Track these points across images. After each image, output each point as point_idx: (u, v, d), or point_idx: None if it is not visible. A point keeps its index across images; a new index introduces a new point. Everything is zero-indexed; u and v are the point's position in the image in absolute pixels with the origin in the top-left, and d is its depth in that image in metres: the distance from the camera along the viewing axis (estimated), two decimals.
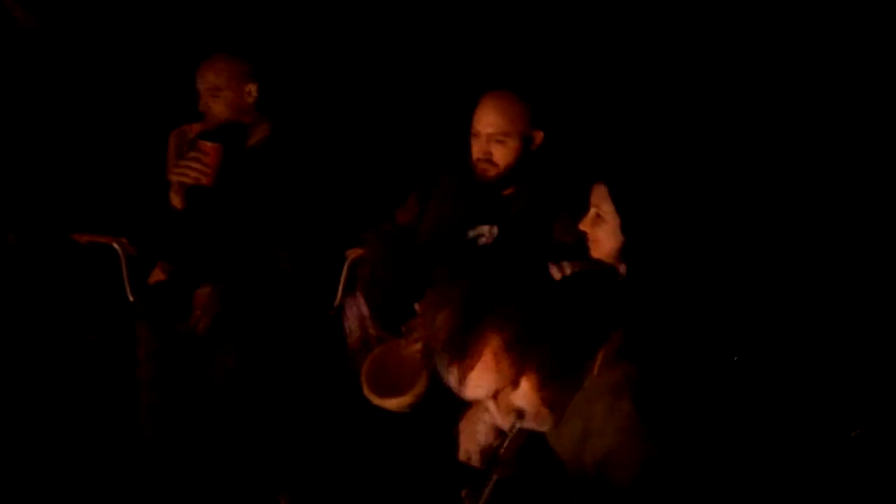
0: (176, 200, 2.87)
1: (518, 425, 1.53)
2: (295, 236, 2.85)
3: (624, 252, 2.12)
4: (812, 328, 2.46)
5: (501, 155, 2.55)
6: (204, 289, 2.81)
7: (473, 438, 1.79)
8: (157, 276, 2.99)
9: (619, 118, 3.14)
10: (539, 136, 2.58)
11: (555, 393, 1.49)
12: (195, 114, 3.05)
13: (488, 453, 1.77)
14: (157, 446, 2.79)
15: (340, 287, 2.89)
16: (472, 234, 2.63)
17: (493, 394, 1.49)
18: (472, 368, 1.46)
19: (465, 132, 2.62)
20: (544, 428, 1.54)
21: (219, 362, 2.79)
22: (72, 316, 3.10)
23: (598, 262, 2.18)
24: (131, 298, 2.85)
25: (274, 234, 2.84)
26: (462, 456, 1.80)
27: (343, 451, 2.74)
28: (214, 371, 2.80)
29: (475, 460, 1.78)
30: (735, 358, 2.15)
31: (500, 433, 1.75)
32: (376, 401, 2.34)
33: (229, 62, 2.86)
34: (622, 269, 2.16)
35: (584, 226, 2.19)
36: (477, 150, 2.57)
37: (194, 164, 2.76)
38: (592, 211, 2.17)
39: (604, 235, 2.15)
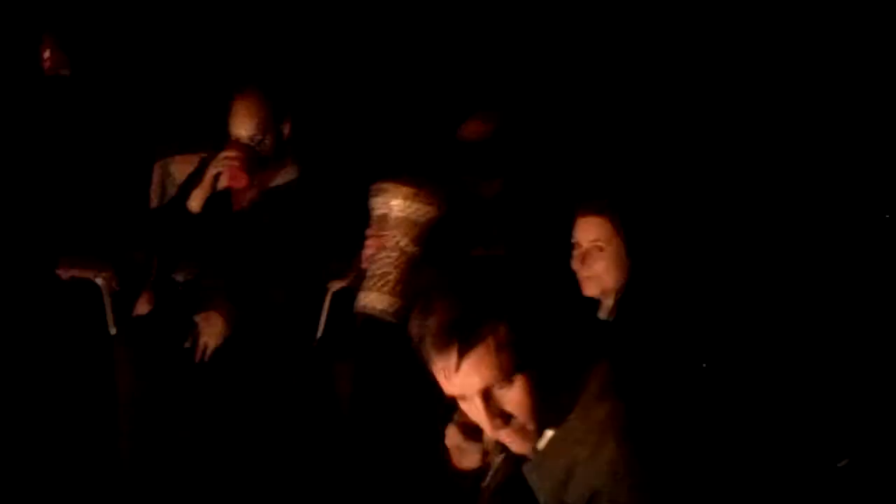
0: (196, 203, 2.87)
1: (500, 434, 1.46)
2: (295, 273, 2.88)
3: (627, 284, 2.10)
4: (805, 361, 2.43)
5: None
6: (211, 313, 2.80)
7: (461, 450, 1.75)
8: (142, 308, 2.97)
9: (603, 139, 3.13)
10: None
11: (544, 406, 1.44)
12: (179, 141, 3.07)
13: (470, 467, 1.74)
14: (138, 466, 2.77)
15: (323, 318, 2.90)
16: None
17: (484, 389, 1.41)
18: (470, 353, 1.38)
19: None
20: (522, 448, 1.48)
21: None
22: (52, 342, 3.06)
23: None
24: (113, 331, 2.83)
25: (277, 269, 2.86)
26: (454, 460, 1.76)
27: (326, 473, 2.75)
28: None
29: (466, 464, 1.74)
30: (704, 365, 2.11)
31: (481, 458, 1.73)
32: None
33: (265, 103, 2.87)
34: (609, 303, 2.15)
35: (576, 264, 2.16)
36: None
37: (234, 161, 2.78)
38: (585, 245, 2.13)
39: (602, 269, 2.12)
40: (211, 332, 2.80)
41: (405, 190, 2.51)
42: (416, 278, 2.50)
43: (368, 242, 2.59)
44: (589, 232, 2.13)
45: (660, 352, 1.93)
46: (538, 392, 1.42)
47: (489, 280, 1.45)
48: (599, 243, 2.11)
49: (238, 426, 2.83)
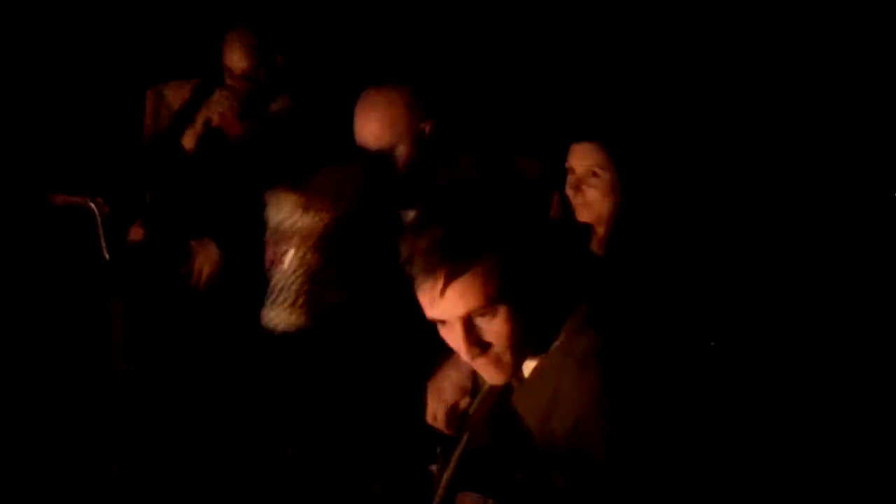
0: (189, 141, 2.86)
1: (476, 363, 1.46)
2: None
3: (618, 212, 2.08)
4: (789, 314, 2.43)
5: None
6: (205, 239, 2.78)
7: (439, 397, 1.76)
8: (136, 234, 2.97)
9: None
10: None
11: (523, 338, 1.44)
12: (171, 73, 3.02)
13: (456, 416, 1.75)
14: (135, 419, 2.77)
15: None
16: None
17: (466, 315, 1.41)
18: (458, 278, 1.38)
19: None
20: (495, 379, 1.49)
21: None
22: (46, 282, 3.05)
23: (586, 225, 2.14)
24: (107, 257, 2.82)
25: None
26: (429, 417, 1.77)
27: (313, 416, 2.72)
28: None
29: (441, 421, 1.75)
30: (712, 343, 2.12)
31: (466, 392, 1.74)
32: None
33: (258, 35, 2.86)
34: (601, 231, 2.14)
35: (569, 189, 2.14)
36: None
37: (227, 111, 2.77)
38: (580, 171, 2.11)
39: (596, 196, 2.10)
40: (206, 258, 2.79)
41: (293, 198, 2.41)
42: (322, 290, 2.42)
43: (266, 252, 2.50)
44: (584, 157, 2.11)
45: (645, 292, 1.92)
46: (519, 324, 1.42)
47: (483, 207, 1.44)
48: (594, 169, 2.09)
49: (233, 356, 2.83)
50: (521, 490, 1.46)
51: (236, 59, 2.84)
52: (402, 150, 2.39)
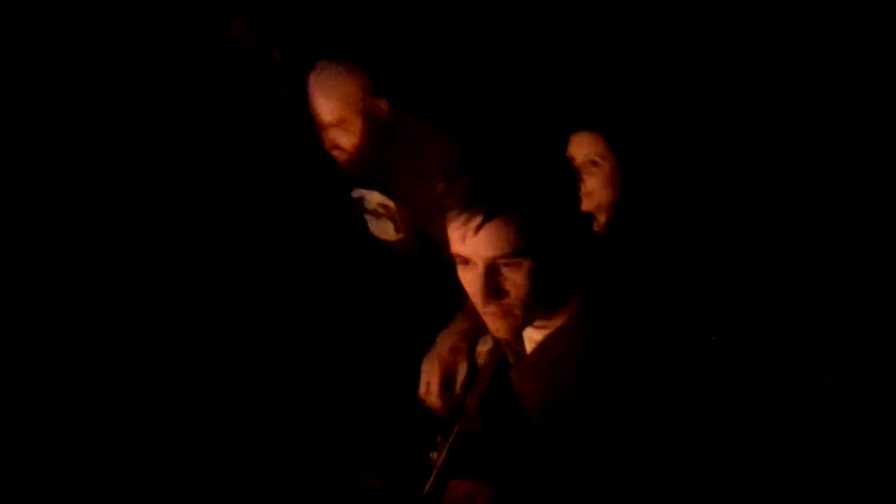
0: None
1: (487, 309, 1.43)
2: None
3: (618, 201, 2.08)
4: (787, 307, 2.37)
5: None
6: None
7: (434, 368, 1.72)
8: None
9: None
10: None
11: (538, 299, 1.43)
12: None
13: (450, 389, 1.70)
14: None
15: None
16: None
17: (490, 261, 1.39)
18: (496, 220, 1.36)
19: None
20: (500, 331, 1.47)
21: None
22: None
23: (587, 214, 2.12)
24: None
25: None
26: (421, 389, 1.72)
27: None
28: None
29: (434, 392, 1.69)
30: (713, 338, 2.07)
31: (460, 353, 1.70)
32: None
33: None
34: (602, 220, 2.13)
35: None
36: None
37: None
38: (580, 160, 2.09)
39: (596, 185, 2.08)
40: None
41: None
42: None
43: None
44: (584, 147, 2.10)
45: (644, 281, 1.88)
46: (538, 282, 1.41)
47: (531, 162, 1.42)
48: (594, 158, 2.09)
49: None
50: (516, 474, 1.41)
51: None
52: (355, 126, 2.37)
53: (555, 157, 1.45)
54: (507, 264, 1.40)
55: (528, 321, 1.46)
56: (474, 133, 1.46)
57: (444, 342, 1.72)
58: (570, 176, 1.44)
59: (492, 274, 1.40)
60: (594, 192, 2.09)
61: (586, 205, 2.09)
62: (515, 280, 1.40)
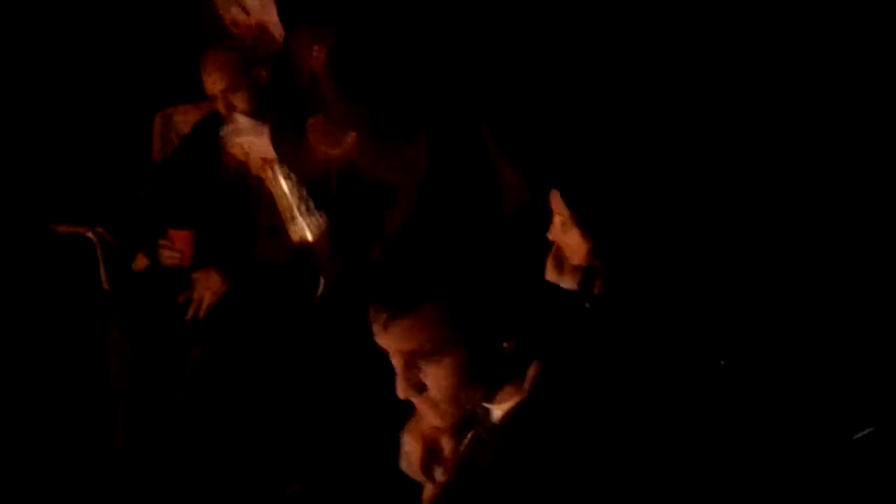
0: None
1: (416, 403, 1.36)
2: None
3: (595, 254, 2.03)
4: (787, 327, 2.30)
5: None
6: (209, 270, 2.74)
7: (414, 437, 1.64)
8: (140, 263, 2.92)
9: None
10: None
11: (467, 393, 1.32)
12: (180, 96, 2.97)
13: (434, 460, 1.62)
14: (135, 457, 2.72)
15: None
16: None
17: (407, 355, 1.29)
18: (403, 318, 1.27)
19: None
20: (434, 422, 1.38)
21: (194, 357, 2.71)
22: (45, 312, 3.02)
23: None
24: (106, 287, 2.78)
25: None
26: (402, 464, 1.64)
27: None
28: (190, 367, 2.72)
29: (415, 465, 1.62)
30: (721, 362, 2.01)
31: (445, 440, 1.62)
32: None
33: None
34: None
35: (553, 235, 2.09)
36: None
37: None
38: (557, 218, 2.07)
39: (575, 241, 2.05)
40: (207, 287, 2.74)
41: None
42: None
43: None
44: (553, 207, 2.07)
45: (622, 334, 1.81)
46: (464, 379, 1.30)
47: (445, 249, 1.33)
48: (562, 220, 2.06)
49: (233, 385, 2.76)
50: None
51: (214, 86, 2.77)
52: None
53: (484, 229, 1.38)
54: (425, 360, 1.29)
55: (464, 413, 1.36)
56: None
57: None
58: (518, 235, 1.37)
59: (410, 367, 1.30)
60: (576, 250, 2.05)
61: (576, 260, 2.07)
62: (436, 376, 1.30)
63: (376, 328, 1.31)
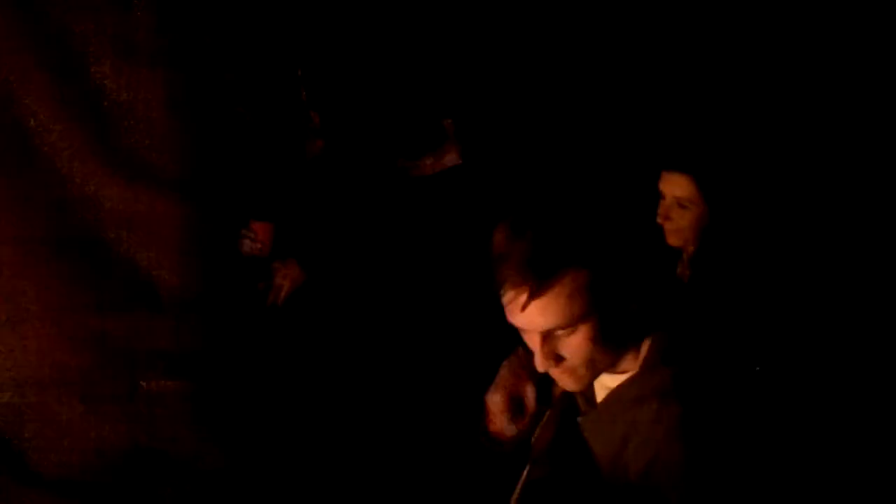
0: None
1: (550, 372, 1.41)
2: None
3: (702, 237, 2.08)
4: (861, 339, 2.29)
5: None
6: (288, 261, 2.82)
7: (500, 398, 1.67)
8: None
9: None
10: None
11: (601, 356, 1.40)
12: None
13: (519, 422, 1.66)
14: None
15: None
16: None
17: (546, 331, 1.36)
18: (543, 295, 1.32)
19: None
20: (570, 386, 1.44)
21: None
22: None
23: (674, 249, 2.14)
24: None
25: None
26: (488, 421, 1.68)
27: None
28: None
29: (502, 423, 1.65)
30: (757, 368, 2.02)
31: (523, 379, 1.67)
32: None
33: None
34: (690, 250, 2.12)
35: (661, 217, 2.12)
36: None
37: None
38: (668, 199, 2.10)
39: (683, 225, 2.09)
40: (287, 275, 2.80)
41: None
42: None
43: None
44: (673, 187, 2.11)
45: (727, 321, 1.84)
46: (598, 343, 1.38)
47: (579, 219, 1.40)
48: (683, 202, 2.10)
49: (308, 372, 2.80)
50: None
51: None
52: None
53: (629, 206, 1.43)
54: (562, 331, 1.36)
55: (596, 374, 1.44)
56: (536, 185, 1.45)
57: (506, 373, 1.69)
58: (647, 224, 1.42)
59: (548, 341, 1.38)
60: (682, 230, 2.10)
61: (674, 240, 2.13)
62: (573, 344, 1.37)
63: (512, 308, 1.36)
